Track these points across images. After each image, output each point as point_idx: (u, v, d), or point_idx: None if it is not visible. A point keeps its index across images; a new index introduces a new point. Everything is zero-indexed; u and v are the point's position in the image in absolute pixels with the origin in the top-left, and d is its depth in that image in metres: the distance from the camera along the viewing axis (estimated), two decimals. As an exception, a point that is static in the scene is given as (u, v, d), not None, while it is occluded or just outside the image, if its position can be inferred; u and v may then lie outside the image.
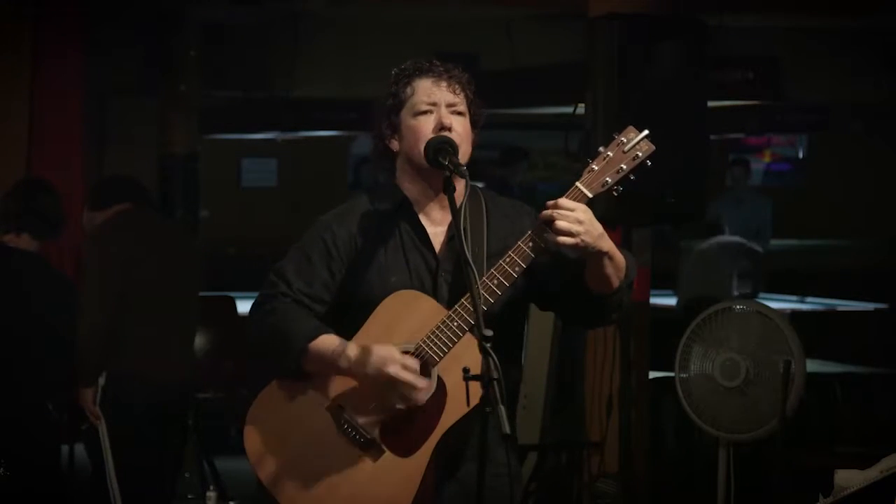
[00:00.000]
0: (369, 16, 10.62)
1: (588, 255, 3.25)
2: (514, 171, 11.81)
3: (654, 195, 5.47)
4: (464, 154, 3.37)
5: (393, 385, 3.25)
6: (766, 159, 16.19)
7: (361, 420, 3.30)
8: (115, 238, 5.75)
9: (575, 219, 3.19)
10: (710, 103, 5.94)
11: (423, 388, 3.25)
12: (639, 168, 3.26)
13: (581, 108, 5.66)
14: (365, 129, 11.79)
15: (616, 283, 3.32)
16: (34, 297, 5.66)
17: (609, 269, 3.29)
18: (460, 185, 3.32)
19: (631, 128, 3.30)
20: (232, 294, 8.23)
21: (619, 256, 3.31)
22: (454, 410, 3.24)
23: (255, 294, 3.47)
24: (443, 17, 10.53)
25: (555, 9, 8.97)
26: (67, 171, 6.80)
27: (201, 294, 6.26)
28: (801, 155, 16.00)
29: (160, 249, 5.87)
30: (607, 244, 3.26)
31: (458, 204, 3.27)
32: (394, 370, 3.24)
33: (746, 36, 10.20)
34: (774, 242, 12.49)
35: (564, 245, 3.20)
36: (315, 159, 14.13)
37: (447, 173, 3.28)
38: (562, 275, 3.36)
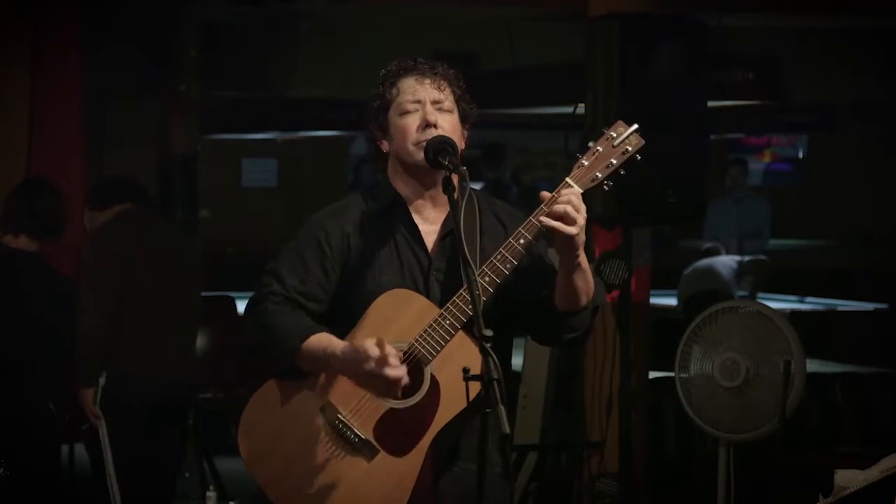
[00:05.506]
0: (369, 16, 10.61)
1: (568, 259, 3.22)
2: (500, 169, 11.71)
3: (654, 195, 5.48)
4: None
5: (375, 379, 3.22)
6: (766, 159, 16.20)
7: (356, 420, 3.29)
8: (116, 238, 5.75)
9: (575, 208, 3.17)
10: (710, 103, 5.94)
11: (401, 378, 3.20)
12: (629, 162, 3.24)
13: (581, 108, 5.66)
14: (364, 129, 11.78)
15: (583, 300, 3.30)
16: (35, 297, 5.67)
17: (579, 283, 3.27)
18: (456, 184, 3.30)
19: (620, 122, 3.28)
20: (232, 294, 8.21)
21: (591, 276, 3.30)
22: (448, 409, 3.23)
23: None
24: (443, 17, 10.52)
25: (555, 9, 8.97)
26: (67, 171, 6.78)
27: (201, 294, 6.26)
28: (801, 155, 16.00)
29: (161, 249, 5.88)
30: (584, 258, 3.25)
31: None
32: (368, 367, 3.19)
33: (746, 36, 10.20)
34: (774, 242, 12.48)
35: (559, 234, 3.16)
36: (315, 159, 14.13)
37: (447, 173, 3.27)
38: (538, 284, 3.33)
